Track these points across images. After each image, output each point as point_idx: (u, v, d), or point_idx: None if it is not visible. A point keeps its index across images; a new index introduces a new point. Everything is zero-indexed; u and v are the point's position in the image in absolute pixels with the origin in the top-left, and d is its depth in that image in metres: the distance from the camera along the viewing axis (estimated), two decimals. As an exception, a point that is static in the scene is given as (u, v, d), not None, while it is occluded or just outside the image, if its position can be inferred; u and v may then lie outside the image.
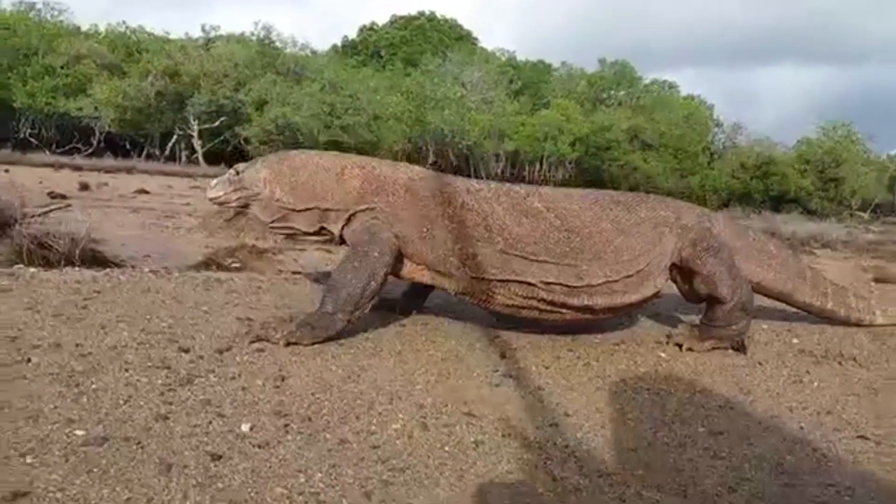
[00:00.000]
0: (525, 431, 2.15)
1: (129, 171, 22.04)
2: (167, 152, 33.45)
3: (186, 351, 2.64)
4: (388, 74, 39.22)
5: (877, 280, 6.96)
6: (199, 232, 7.24)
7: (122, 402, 2.10)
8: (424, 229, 3.11)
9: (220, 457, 1.80)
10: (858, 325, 3.94)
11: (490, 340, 3.25)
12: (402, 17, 46.85)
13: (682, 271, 3.31)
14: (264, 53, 37.31)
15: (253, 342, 2.82)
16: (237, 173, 3.43)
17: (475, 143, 30.94)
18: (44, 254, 4.23)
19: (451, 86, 31.88)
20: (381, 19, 47.49)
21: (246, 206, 3.44)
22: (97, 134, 31.56)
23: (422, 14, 46.89)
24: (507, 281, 3.10)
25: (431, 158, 31.41)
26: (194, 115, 32.16)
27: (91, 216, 7.55)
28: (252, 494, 1.66)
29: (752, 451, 2.13)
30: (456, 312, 3.67)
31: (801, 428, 2.35)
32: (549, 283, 3.08)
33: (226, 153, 33.17)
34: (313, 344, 2.87)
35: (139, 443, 1.83)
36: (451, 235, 3.09)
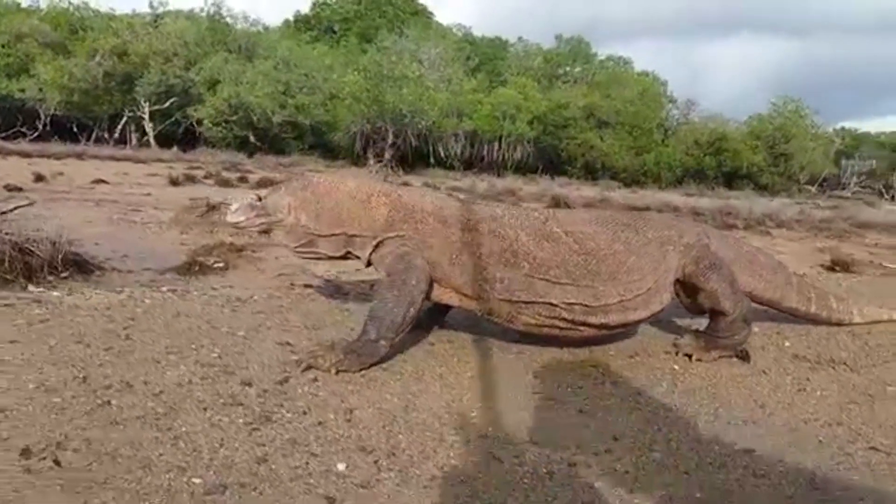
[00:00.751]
0: (587, 459, 2.37)
1: (80, 156, 21.38)
2: (116, 135, 32.45)
3: (249, 384, 2.79)
4: (343, 51, 38.71)
5: (833, 262, 7.43)
6: (171, 228, 7.25)
7: (217, 444, 2.25)
8: (453, 255, 3.30)
9: (334, 500, 1.97)
10: (839, 324, 4.30)
11: (516, 358, 3.47)
12: (356, -10, 46.03)
13: (685, 287, 3.57)
14: (215, 30, 36.42)
15: (304, 370, 2.99)
16: (259, 199, 3.55)
17: (434, 123, 30.89)
18: (26, 260, 4.22)
19: (409, 63, 31.67)
20: (334, -7, 46.45)
21: (268, 231, 3.58)
22: (42, 117, 30.36)
23: (376, -14, 46.15)
24: (532, 302, 3.31)
25: (390, 140, 31.24)
26: (144, 96, 31.25)
27: (56, 212, 7.51)
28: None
29: (786, 467, 2.39)
30: (474, 327, 3.86)
31: (820, 441, 2.64)
32: (569, 304, 3.31)
33: (177, 135, 32.43)
34: (360, 370, 3.04)
35: (255, 489, 1.99)
36: (480, 261, 3.29)
